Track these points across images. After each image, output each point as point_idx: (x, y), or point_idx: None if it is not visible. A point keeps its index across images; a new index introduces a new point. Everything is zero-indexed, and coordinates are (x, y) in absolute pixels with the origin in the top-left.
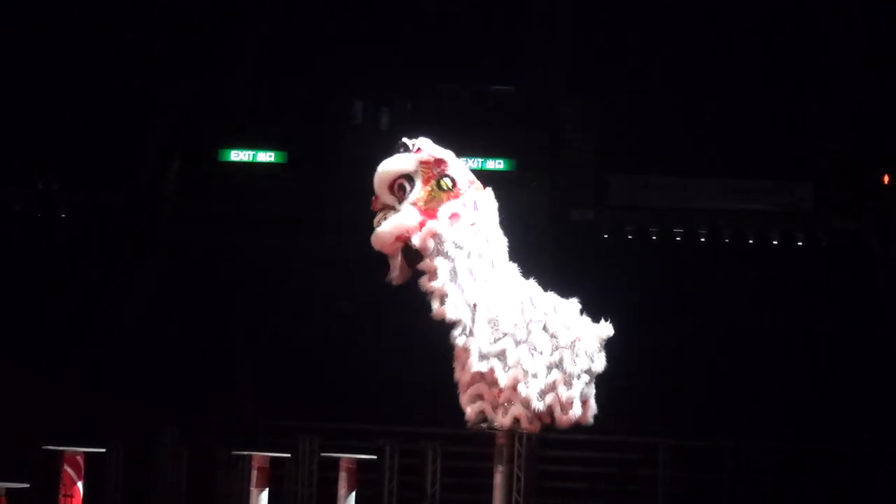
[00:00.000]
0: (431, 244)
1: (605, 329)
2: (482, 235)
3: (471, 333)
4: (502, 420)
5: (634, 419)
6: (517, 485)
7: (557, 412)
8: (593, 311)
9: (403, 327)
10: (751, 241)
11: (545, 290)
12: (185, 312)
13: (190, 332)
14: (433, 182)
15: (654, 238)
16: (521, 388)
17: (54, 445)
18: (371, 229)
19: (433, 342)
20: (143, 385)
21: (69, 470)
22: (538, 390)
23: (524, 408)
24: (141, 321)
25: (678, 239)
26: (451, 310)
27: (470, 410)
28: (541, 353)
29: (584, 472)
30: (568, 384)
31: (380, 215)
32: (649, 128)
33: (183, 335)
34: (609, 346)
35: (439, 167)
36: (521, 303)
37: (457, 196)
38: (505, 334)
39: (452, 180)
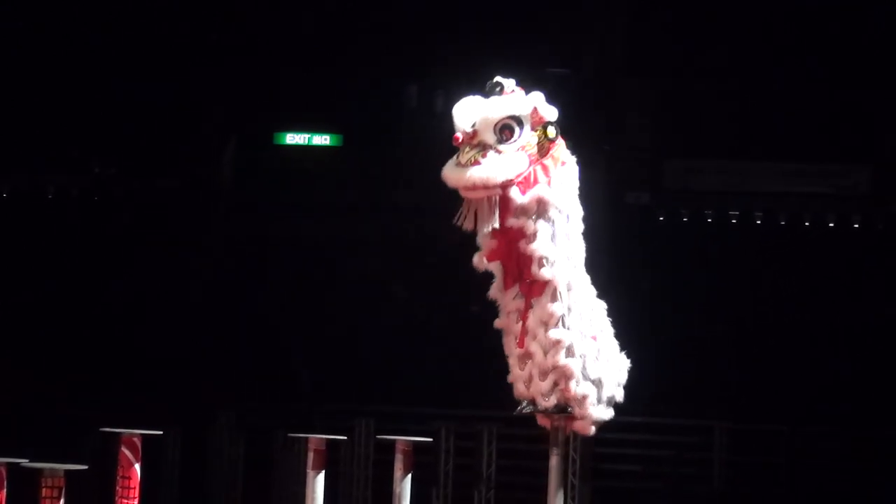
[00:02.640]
0: (534, 206)
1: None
2: (575, 202)
3: (565, 325)
4: (546, 404)
5: (691, 402)
6: (573, 467)
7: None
8: (648, 294)
9: (459, 309)
10: (807, 224)
11: (601, 273)
12: (242, 297)
13: (246, 317)
14: (540, 128)
15: (709, 221)
16: (591, 400)
17: (112, 428)
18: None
19: (488, 324)
20: (200, 369)
21: (127, 452)
22: (597, 400)
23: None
24: (198, 306)
25: (734, 222)
26: (548, 272)
27: (547, 402)
28: (607, 362)
29: (640, 455)
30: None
31: (471, 153)
32: (706, 111)
33: (239, 320)
34: (665, 329)
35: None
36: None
37: (554, 145)
38: (593, 336)
39: (557, 129)
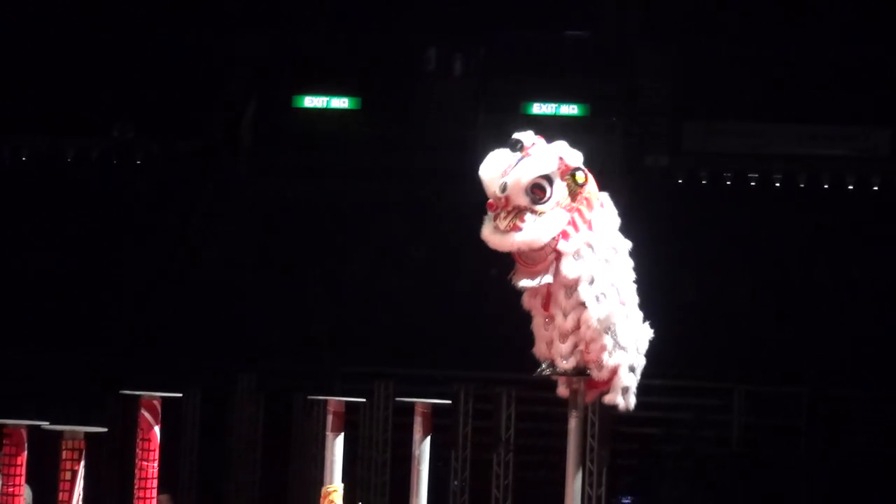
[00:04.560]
0: (581, 252)
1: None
2: (614, 234)
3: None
4: (564, 366)
5: (710, 365)
6: (591, 430)
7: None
8: (667, 257)
9: (478, 273)
10: (826, 187)
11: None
12: (261, 259)
13: (266, 279)
14: (568, 176)
15: (728, 184)
16: (624, 371)
17: (132, 390)
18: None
19: (507, 287)
20: (219, 331)
21: (146, 414)
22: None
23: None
24: (217, 269)
25: (753, 185)
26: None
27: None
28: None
29: (659, 418)
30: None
31: (509, 218)
32: (724, 73)
33: (259, 282)
34: (685, 292)
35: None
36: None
37: (584, 188)
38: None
39: (584, 172)
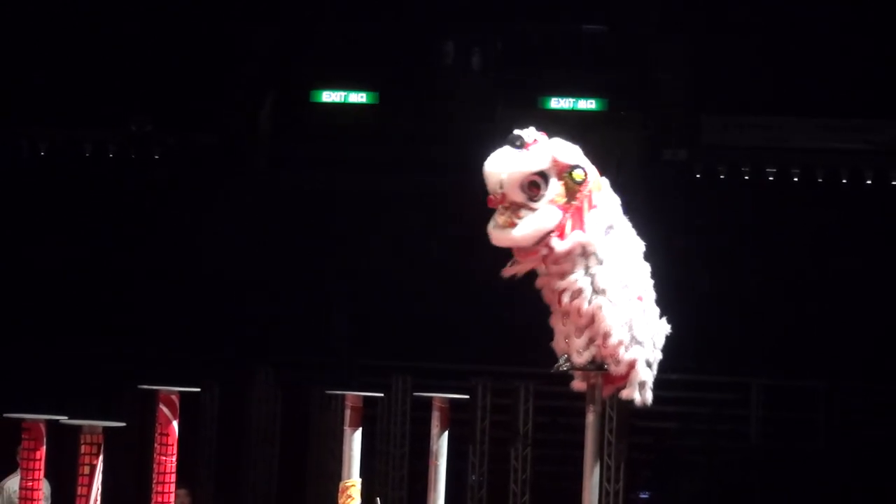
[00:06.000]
0: (575, 251)
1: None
2: (618, 233)
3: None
4: (578, 360)
5: (728, 359)
6: (609, 424)
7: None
8: (685, 251)
9: (495, 268)
10: (844, 181)
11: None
12: (279, 253)
13: (284, 273)
14: (566, 174)
15: (746, 178)
16: (641, 366)
17: (150, 385)
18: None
19: (525, 282)
20: (237, 325)
21: (165, 409)
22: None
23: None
24: (235, 262)
25: (770, 179)
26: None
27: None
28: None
29: (677, 412)
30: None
31: (507, 214)
32: (742, 67)
33: (277, 275)
34: (702, 286)
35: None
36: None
37: (586, 185)
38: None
39: (584, 170)
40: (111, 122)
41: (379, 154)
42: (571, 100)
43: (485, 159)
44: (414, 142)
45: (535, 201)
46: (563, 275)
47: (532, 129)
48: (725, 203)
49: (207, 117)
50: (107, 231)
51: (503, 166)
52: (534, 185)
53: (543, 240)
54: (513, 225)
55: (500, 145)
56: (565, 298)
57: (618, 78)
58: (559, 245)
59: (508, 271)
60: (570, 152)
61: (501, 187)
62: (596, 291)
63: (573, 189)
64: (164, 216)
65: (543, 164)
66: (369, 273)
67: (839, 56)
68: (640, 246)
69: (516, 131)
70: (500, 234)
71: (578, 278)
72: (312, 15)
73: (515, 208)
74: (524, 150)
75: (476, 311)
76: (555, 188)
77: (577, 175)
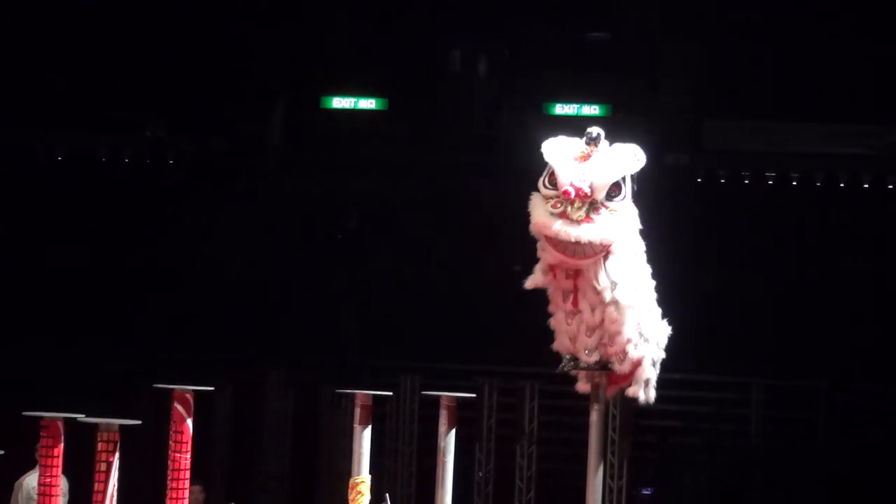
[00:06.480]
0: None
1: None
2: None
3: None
4: (587, 359)
5: (729, 360)
6: (612, 423)
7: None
8: (687, 252)
9: (500, 271)
10: (842, 185)
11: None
12: (290, 256)
13: (294, 275)
14: (630, 177)
15: (746, 182)
16: (647, 364)
17: (165, 384)
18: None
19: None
20: (250, 326)
21: (179, 407)
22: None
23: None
24: (248, 265)
25: (770, 183)
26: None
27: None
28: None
29: (679, 411)
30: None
31: (585, 209)
32: (742, 74)
33: (288, 278)
34: (704, 287)
35: None
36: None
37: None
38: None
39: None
40: (127, 128)
41: (387, 158)
42: (576, 105)
43: (491, 163)
44: (421, 146)
45: (614, 201)
46: (580, 275)
47: (598, 128)
48: (726, 206)
49: (221, 123)
50: (122, 233)
51: (585, 162)
52: (616, 186)
53: (603, 248)
54: (589, 221)
55: (508, 149)
56: (584, 297)
57: (621, 84)
58: (615, 269)
59: (532, 283)
60: (643, 157)
61: (590, 184)
62: (612, 291)
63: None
64: (178, 219)
65: (634, 168)
66: (378, 276)
67: (838, 63)
68: (643, 247)
69: (591, 129)
70: (569, 227)
71: (597, 278)
72: (323, 24)
73: (595, 206)
74: (593, 149)
75: (482, 313)
76: (629, 190)
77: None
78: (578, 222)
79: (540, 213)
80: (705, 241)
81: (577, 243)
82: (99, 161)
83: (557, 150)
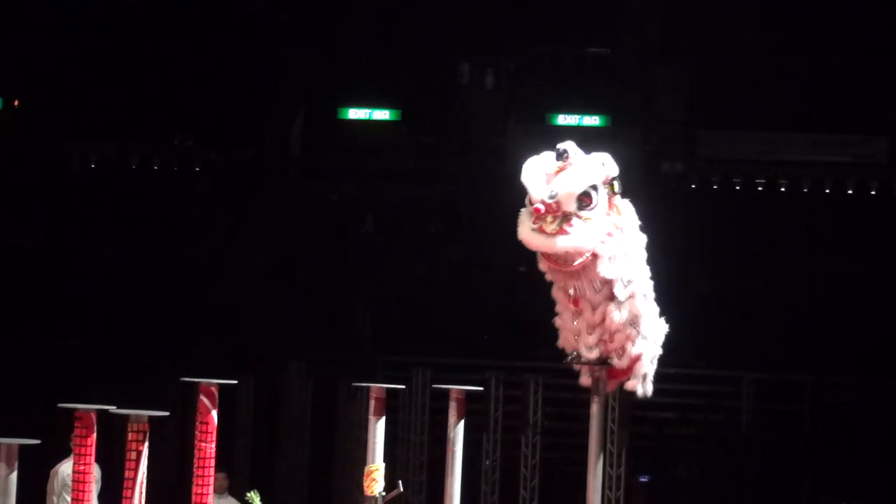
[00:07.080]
0: (616, 254)
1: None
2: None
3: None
4: (588, 355)
5: (721, 355)
6: (612, 414)
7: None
8: (682, 254)
9: (507, 271)
10: (828, 191)
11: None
12: (310, 258)
13: (314, 276)
14: (608, 185)
15: (737, 188)
16: (645, 360)
17: (191, 378)
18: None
19: (534, 283)
20: (272, 324)
21: (205, 399)
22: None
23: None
24: (270, 265)
25: (760, 189)
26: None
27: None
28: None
29: (674, 403)
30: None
31: (556, 222)
32: (734, 87)
33: (309, 278)
34: (698, 287)
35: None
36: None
37: (615, 196)
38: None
39: (620, 183)
40: (156, 138)
41: (401, 166)
42: (577, 116)
43: (499, 170)
44: (433, 154)
45: (585, 210)
46: (581, 276)
47: (571, 143)
48: (719, 211)
49: (245, 133)
50: (152, 237)
51: (552, 177)
52: (586, 196)
53: (581, 255)
54: (563, 233)
55: (514, 157)
56: (584, 297)
57: (620, 96)
58: (604, 250)
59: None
60: (614, 165)
61: (554, 197)
62: (611, 290)
63: (610, 198)
64: (204, 223)
65: (601, 178)
66: (393, 275)
67: (823, 77)
68: (642, 248)
69: (560, 145)
70: (547, 241)
71: (593, 280)
72: (340, 40)
73: (565, 217)
74: (566, 163)
75: (490, 311)
76: (602, 198)
77: (617, 186)
78: (553, 235)
79: (524, 230)
80: (699, 243)
81: (557, 254)
82: (130, 169)
83: (531, 169)
